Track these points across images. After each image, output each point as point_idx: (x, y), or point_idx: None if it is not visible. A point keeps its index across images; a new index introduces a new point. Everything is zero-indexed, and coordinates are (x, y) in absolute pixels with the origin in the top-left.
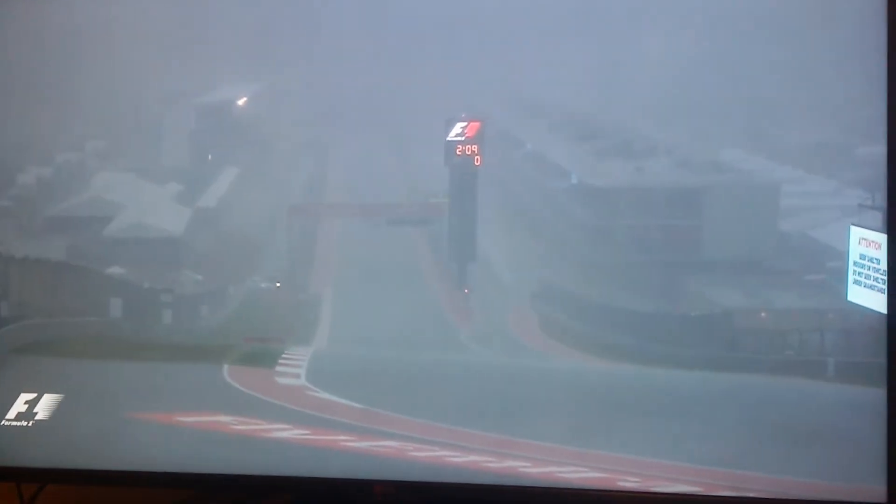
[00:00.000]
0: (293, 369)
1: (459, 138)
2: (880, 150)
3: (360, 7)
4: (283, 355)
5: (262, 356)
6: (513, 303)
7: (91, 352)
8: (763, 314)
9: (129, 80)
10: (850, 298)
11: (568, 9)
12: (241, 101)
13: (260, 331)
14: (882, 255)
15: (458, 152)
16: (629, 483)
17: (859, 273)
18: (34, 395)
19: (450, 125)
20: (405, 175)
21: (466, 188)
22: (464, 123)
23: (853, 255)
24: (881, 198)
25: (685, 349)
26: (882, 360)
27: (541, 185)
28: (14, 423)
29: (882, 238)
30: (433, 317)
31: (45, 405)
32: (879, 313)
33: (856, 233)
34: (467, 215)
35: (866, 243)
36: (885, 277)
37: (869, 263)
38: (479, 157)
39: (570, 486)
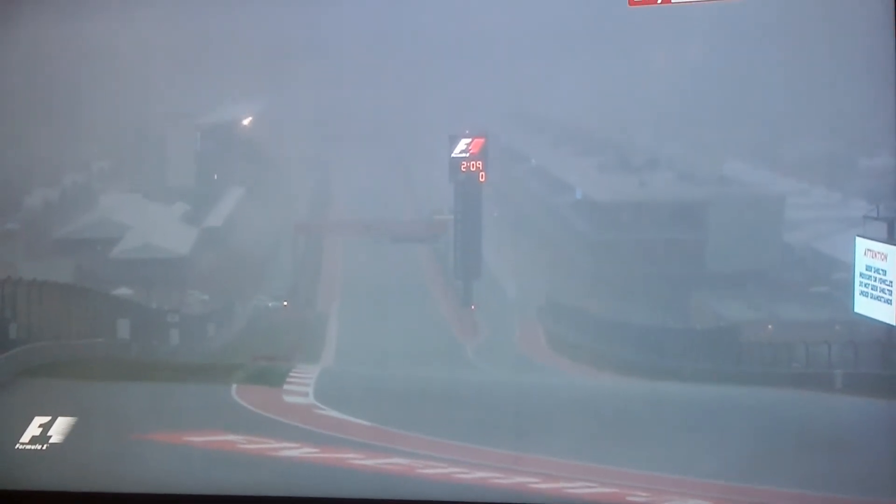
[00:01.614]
0: (301, 387)
1: (464, 155)
2: (885, 161)
3: (364, 29)
4: (291, 374)
5: (270, 375)
6: (519, 318)
7: (100, 373)
8: (770, 327)
9: (135, 102)
10: (856, 310)
11: (570, 27)
12: (246, 122)
13: (267, 349)
14: (888, 266)
15: (462, 169)
16: (639, 498)
17: (865, 284)
18: (48, 418)
19: (454, 142)
20: (410, 192)
21: (471, 204)
22: (468, 140)
23: (859, 267)
24: (886, 209)
25: (692, 363)
26: (894, 371)
27: (546, 201)
28: (28, 447)
29: (888, 249)
30: (440, 333)
31: (59, 428)
32: (887, 325)
33: (861, 244)
34: (472, 231)
35: (872, 254)
36: (893, 289)
37: (875, 275)
38: (483, 174)
39: (579, 503)
